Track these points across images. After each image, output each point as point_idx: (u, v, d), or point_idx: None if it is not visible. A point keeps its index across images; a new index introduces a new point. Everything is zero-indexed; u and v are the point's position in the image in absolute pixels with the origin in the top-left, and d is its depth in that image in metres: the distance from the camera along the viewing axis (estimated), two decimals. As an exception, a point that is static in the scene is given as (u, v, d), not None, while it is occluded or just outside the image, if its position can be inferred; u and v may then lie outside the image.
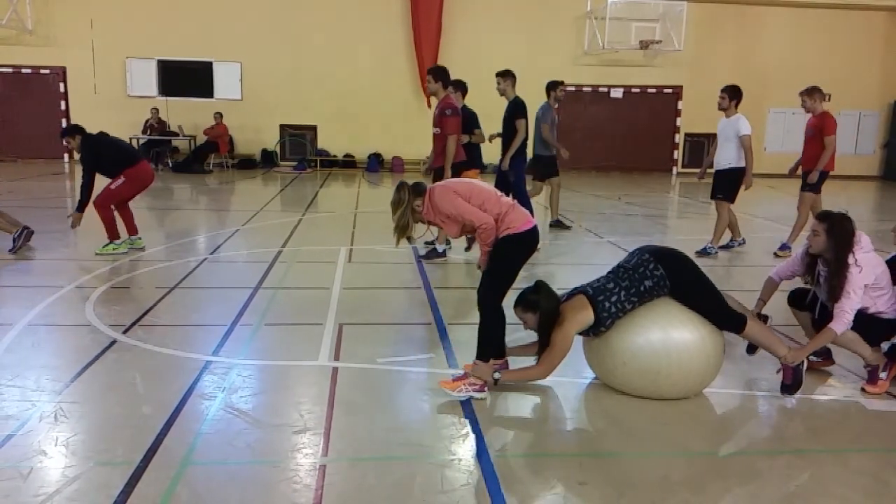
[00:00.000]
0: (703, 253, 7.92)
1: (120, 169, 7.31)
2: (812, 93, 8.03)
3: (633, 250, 4.03)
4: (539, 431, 3.59)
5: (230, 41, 18.39)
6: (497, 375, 3.77)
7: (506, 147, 8.10)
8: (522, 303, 3.86)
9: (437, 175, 7.15)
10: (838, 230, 4.05)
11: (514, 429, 3.57)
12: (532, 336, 4.02)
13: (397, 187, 4.05)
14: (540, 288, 3.85)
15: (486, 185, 4.13)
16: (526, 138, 8.03)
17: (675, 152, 20.28)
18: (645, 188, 16.18)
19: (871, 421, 3.73)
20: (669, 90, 19.71)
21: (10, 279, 6.26)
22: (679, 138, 20.14)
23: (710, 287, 3.92)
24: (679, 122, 19.99)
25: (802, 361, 3.98)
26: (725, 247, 8.26)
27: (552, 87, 9.59)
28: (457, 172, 7.24)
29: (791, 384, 3.97)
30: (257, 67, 18.61)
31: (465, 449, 3.26)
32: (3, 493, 2.77)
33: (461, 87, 7.89)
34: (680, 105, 19.84)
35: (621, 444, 3.40)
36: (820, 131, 7.94)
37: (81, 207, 7.29)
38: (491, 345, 3.92)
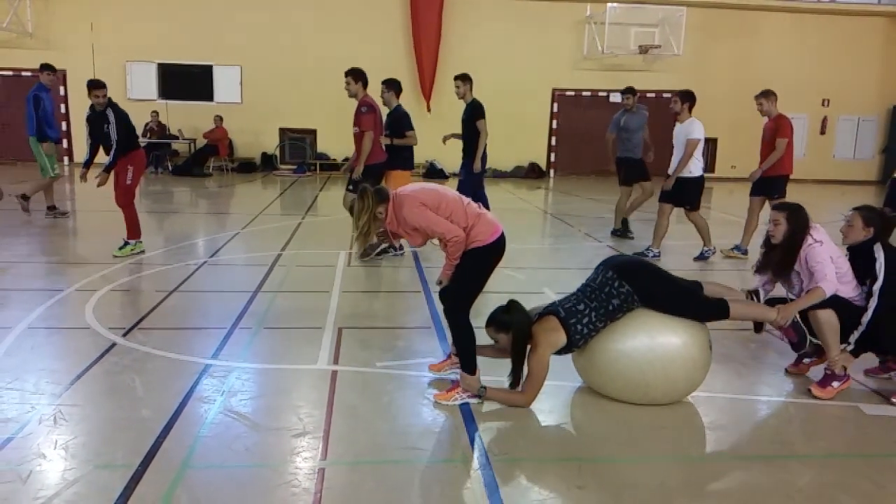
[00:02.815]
0: (701, 258, 7.92)
1: (129, 149, 7.32)
2: (768, 96, 7.98)
3: (597, 266, 3.98)
4: (537, 436, 3.59)
5: (230, 45, 18.42)
6: (483, 391, 3.76)
7: (466, 149, 8.14)
8: (494, 323, 3.82)
9: (368, 173, 7.23)
10: (796, 217, 4.21)
11: (512, 433, 3.57)
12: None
13: (359, 193, 3.89)
14: (512, 308, 3.81)
15: (452, 192, 3.98)
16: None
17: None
18: (645, 193, 16.15)
19: (868, 425, 3.73)
20: (668, 95, 19.69)
21: (10, 282, 6.27)
22: (678, 143, 20.16)
23: (681, 287, 3.89)
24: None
25: (796, 316, 4.02)
26: (641, 253, 7.96)
27: (622, 94, 9.80)
28: (379, 173, 7.35)
29: (798, 340, 4.03)
30: (257, 71, 18.64)
31: (465, 452, 3.27)
32: (2, 496, 2.77)
33: (395, 86, 7.94)
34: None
35: (619, 449, 3.40)
36: (775, 134, 7.93)
37: (110, 168, 7.28)
38: (472, 356, 3.85)
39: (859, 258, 4.25)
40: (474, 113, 7.96)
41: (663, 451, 3.43)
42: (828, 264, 4.08)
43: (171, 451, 3.16)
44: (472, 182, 8.07)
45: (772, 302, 4.40)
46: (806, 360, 4.45)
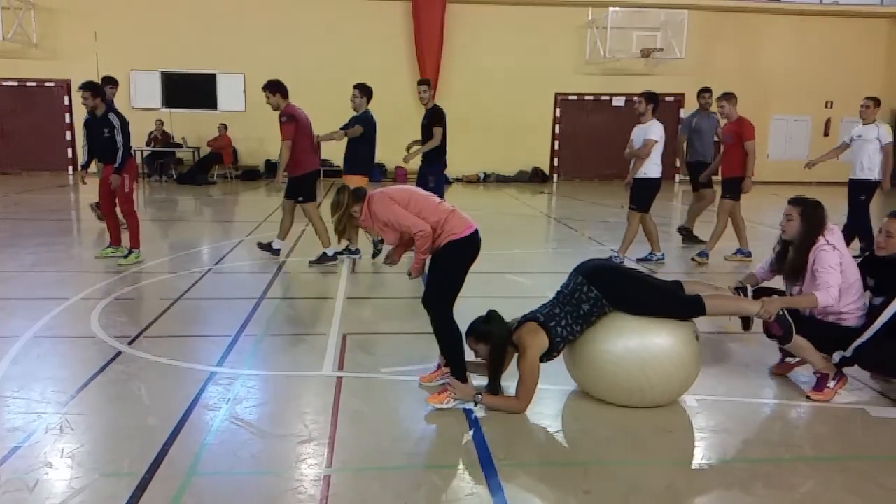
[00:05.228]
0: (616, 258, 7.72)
1: (126, 158, 7.36)
2: (731, 98, 7.96)
3: (571, 272, 3.97)
4: (544, 440, 3.59)
5: (233, 53, 18.49)
6: (479, 397, 3.75)
7: (426, 154, 8.23)
8: (474, 333, 3.84)
9: (302, 182, 7.59)
10: (811, 214, 4.10)
11: (518, 437, 3.57)
12: None
13: (338, 190, 4.05)
14: (491, 318, 3.83)
15: (425, 192, 4.10)
16: (443, 145, 8.15)
17: (678, 161, 20.29)
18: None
19: (875, 428, 3.72)
20: (671, 98, 19.75)
21: (16, 291, 6.29)
22: (681, 146, 20.15)
23: (652, 287, 3.88)
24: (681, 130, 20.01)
25: (783, 308, 3.94)
26: (644, 259, 7.93)
27: (698, 94, 9.56)
28: (312, 181, 7.66)
29: (783, 334, 3.93)
30: (260, 79, 18.47)
31: (470, 458, 3.27)
32: (9, 504, 2.78)
33: (368, 92, 8.11)
34: (682, 113, 19.86)
35: (625, 453, 3.39)
36: (739, 137, 7.87)
37: (120, 170, 7.31)
38: (460, 360, 3.87)
39: (881, 268, 4.14)
40: (433, 119, 8.08)
41: (670, 454, 3.42)
42: (834, 273, 3.96)
43: (177, 459, 3.16)
44: (438, 185, 8.11)
45: (758, 294, 4.29)
46: (789, 360, 4.42)
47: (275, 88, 7.57)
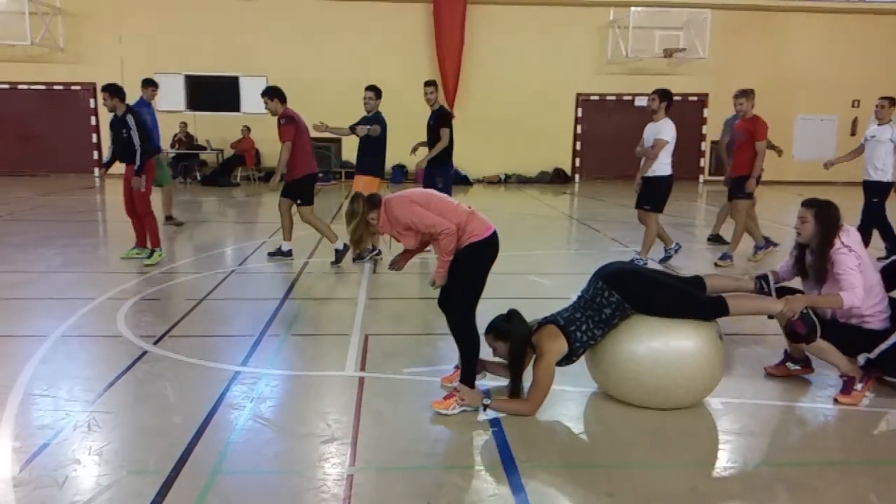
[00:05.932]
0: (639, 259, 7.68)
1: (147, 157, 7.43)
2: (749, 95, 7.83)
3: (591, 276, 3.95)
4: (566, 442, 3.58)
5: (256, 56, 18.63)
6: (487, 401, 3.72)
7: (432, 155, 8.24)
8: (493, 331, 3.83)
9: (300, 185, 7.75)
10: (825, 215, 4.05)
11: (540, 439, 3.56)
12: None
13: (352, 199, 3.97)
14: (512, 316, 3.82)
15: (442, 194, 4.05)
16: (450, 146, 8.14)
17: (702, 160, 20.13)
18: (671, 197, 16.02)
19: (904, 432, 3.66)
20: (695, 98, 19.60)
21: (44, 291, 6.39)
22: (705, 146, 19.99)
23: (674, 290, 3.83)
24: (705, 129, 19.85)
25: (807, 308, 3.87)
26: (664, 259, 7.86)
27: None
28: (311, 184, 7.78)
29: (807, 332, 3.86)
30: (283, 81, 18.51)
31: (492, 458, 3.27)
32: (39, 500, 2.83)
33: (381, 94, 8.17)
34: (706, 113, 19.71)
35: (650, 455, 3.37)
36: (751, 136, 7.75)
37: (140, 171, 7.39)
38: (473, 365, 3.86)
39: None
40: (440, 120, 8.11)
41: (693, 457, 3.39)
42: (855, 274, 3.91)
43: (202, 457, 3.20)
44: (447, 187, 8.12)
45: (781, 293, 4.21)
46: (790, 365, 4.35)
47: (273, 94, 7.76)
